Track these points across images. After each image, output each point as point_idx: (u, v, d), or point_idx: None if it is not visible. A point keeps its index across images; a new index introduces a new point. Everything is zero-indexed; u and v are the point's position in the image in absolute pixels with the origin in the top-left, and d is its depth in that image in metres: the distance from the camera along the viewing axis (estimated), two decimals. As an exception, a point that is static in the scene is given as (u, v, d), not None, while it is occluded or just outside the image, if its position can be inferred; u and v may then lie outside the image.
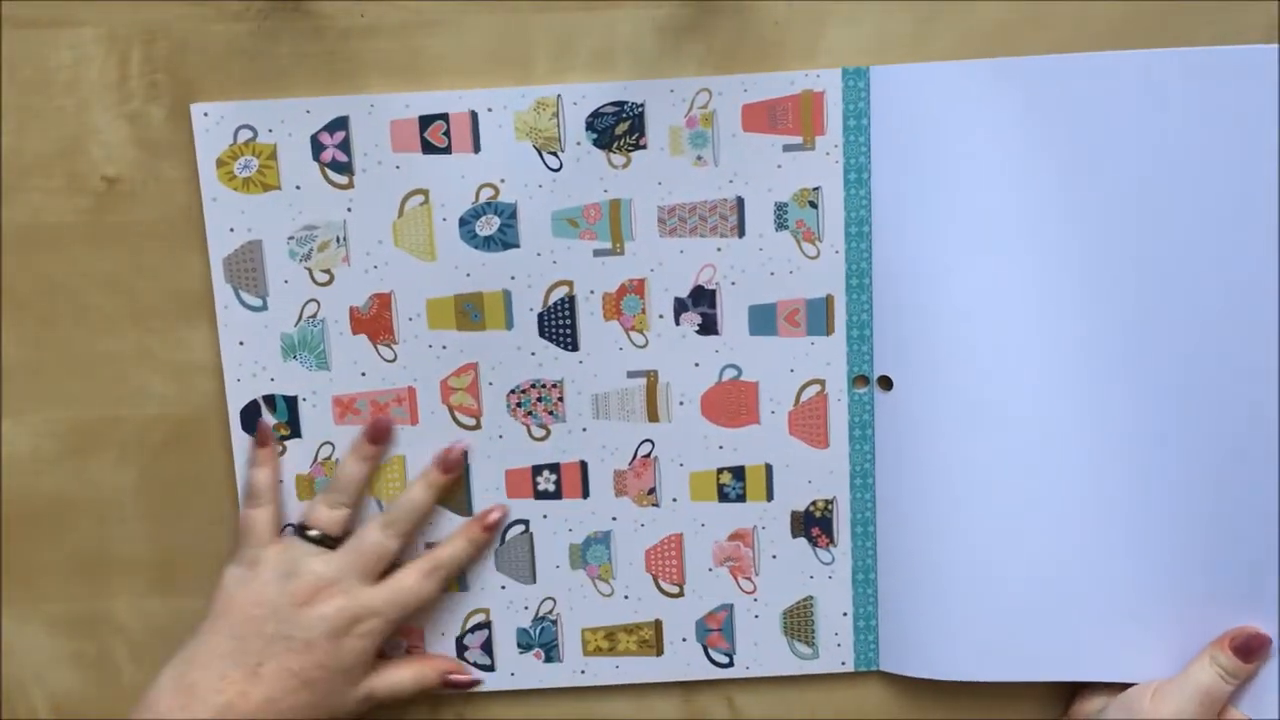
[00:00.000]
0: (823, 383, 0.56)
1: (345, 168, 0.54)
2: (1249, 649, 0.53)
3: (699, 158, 0.54)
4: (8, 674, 0.59)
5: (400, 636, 0.58)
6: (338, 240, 0.55)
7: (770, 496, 0.57)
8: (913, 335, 0.54)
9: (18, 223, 0.55)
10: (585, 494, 0.57)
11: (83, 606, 0.59)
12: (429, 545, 0.57)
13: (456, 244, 0.55)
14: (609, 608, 0.58)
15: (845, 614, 0.58)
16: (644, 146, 0.54)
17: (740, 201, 0.54)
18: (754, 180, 0.54)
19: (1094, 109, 0.52)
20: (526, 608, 0.58)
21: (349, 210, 0.55)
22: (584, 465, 0.57)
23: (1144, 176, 0.52)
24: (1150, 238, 0.52)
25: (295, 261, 0.55)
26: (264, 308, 0.55)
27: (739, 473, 0.57)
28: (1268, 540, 0.53)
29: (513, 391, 0.56)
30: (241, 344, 0.56)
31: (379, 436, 0.56)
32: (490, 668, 0.58)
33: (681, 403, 0.56)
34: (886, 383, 0.55)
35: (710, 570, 0.58)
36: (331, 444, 0.57)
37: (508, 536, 0.57)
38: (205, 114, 0.54)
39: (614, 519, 0.57)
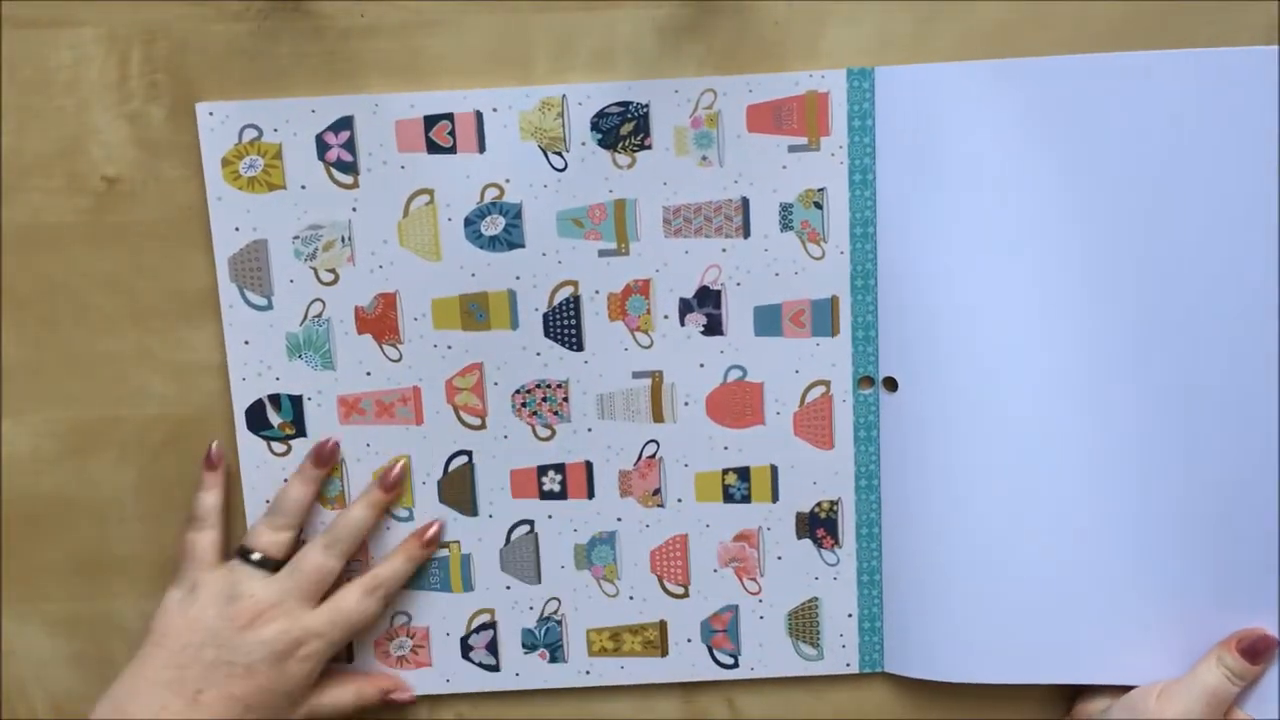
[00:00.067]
0: (828, 384, 0.56)
1: (350, 167, 0.54)
2: (1256, 651, 0.53)
3: (704, 158, 0.54)
4: (8, 674, 0.59)
5: (356, 559, 0.57)
6: (343, 240, 0.55)
7: (775, 497, 0.57)
8: (917, 336, 0.55)
9: (18, 223, 0.55)
10: (590, 494, 0.57)
11: (83, 606, 0.58)
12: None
13: (461, 244, 0.55)
14: (614, 608, 0.58)
15: (850, 615, 0.58)
16: (649, 147, 0.54)
17: (745, 202, 0.54)
18: (759, 181, 0.54)
19: (1096, 110, 0.52)
20: (531, 608, 0.58)
21: (354, 210, 0.54)
22: (589, 465, 0.57)
23: (1145, 177, 0.52)
24: (1152, 238, 0.53)
25: (300, 261, 0.55)
26: (269, 307, 0.55)
27: (744, 473, 0.57)
28: (1270, 542, 0.54)
29: (518, 392, 0.56)
30: (247, 343, 0.55)
31: (323, 460, 0.56)
32: (495, 668, 0.58)
33: (686, 403, 0.56)
34: (891, 384, 0.55)
35: (715, 571, 0.58)
36: (336, 444, 0.56)
37: (513, 537, 0.57)
38: (210, 113, 0.53)
39: (619, 519, 0.57)
